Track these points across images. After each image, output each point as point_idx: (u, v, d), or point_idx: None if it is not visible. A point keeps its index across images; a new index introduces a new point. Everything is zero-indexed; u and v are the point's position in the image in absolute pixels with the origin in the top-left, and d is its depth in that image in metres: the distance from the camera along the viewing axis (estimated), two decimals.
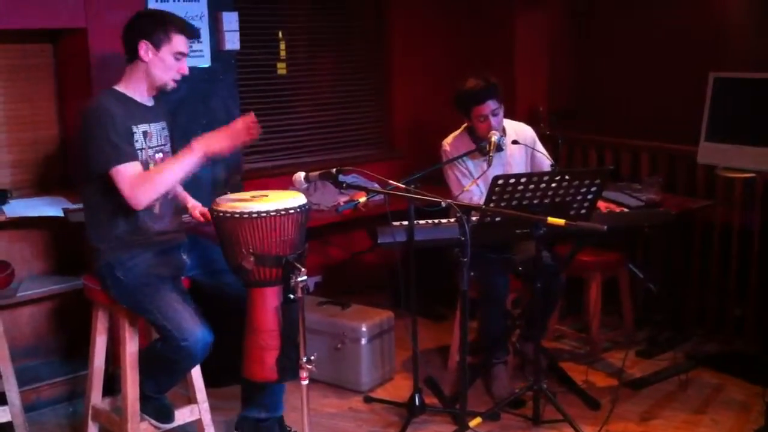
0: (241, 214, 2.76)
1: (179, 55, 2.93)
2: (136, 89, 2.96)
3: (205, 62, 3.94)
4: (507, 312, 3.80)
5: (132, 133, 2.87)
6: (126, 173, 2.78)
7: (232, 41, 4.00)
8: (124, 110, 2.87)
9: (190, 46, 3.09)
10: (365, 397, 3.77)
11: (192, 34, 3.00)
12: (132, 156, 2.82)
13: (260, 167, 4.67)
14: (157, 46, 2.89)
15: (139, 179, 2.79)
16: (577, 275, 4.12)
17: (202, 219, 3.18)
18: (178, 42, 2.92)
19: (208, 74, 3.96)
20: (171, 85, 2.97)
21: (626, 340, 4.25)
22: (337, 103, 5.10)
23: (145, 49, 2.89)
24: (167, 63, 2.91)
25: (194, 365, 3.05)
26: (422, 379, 3.66)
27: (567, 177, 3.10)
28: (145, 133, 2.93)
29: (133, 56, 2.92)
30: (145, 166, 2.92)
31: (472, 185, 3.67)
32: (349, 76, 5.14)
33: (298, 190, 2.99)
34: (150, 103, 3.02)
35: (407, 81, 5.23)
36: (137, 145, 2.89)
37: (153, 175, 2.83)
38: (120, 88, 2.95)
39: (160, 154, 3.00)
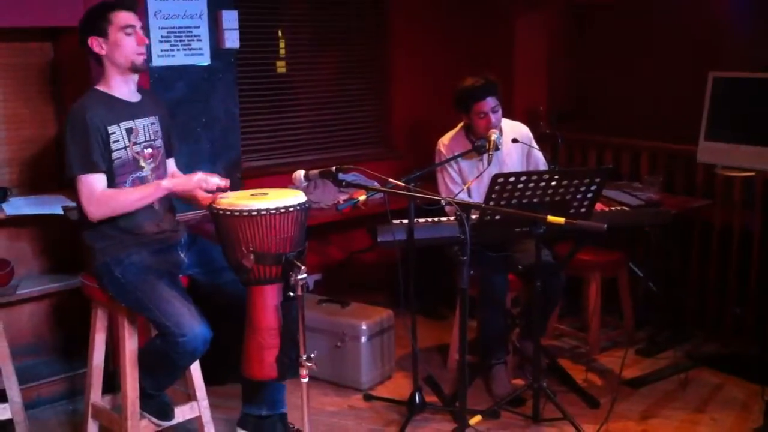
0: (241, 212, 2.76)
1: (128, 29, 2.89)
2: (114, 86, 2.95)
3: (204, 61, 3.94)
4: (507, 311, 3.80)
5: (109, 137, 2.86)
6: (87, 184, 2.81)
7: (231, 40, 4.00)
8: (105, 110, 2.87)
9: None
10: (365, 395, 3.78)
11: (127, 5, 2.93)
12: (98, 167, 2.83)
13: (260, 165, 4.67)
14: (104, 34, 2.87)
15: (99, 195, 2.82)
16: (576, 274, 4.13)
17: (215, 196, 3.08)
18: (119, 18, 2.88)
19: (207, 73, 3.96)
20: (139, 60, 2.92)
21: (626, 340, 4.25)
22: (337, 102, 5.09)
23: (97, 44, 2.88)
24: (121, 43, 2.88)
25: (193, 361, 3.04)
26: (422, 377, 3.66)
27: (567, 176, 3.10)
28: (129, 130, 2.93)
29: (96, 57, 2.92)
30: (134, 162, 2.93)
31: (461, 192, 3.66)
32: (348, 75, 5.13)
33: (298, 188, 2.99)
34: (135, 98, 3.00)
35: (407, 80, 5.23)
36: (118, 145, 2.88)
37: (115, 196, 2.85)
38: (100, 87, 2.95)
39: (150, 149, 3.00)
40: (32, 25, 3.51)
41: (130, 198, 2.87)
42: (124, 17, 2.89)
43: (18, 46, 3.73)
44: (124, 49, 2.89)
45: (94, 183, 2.82)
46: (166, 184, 2.91)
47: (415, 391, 3.47)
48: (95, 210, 2.83)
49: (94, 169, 2.82)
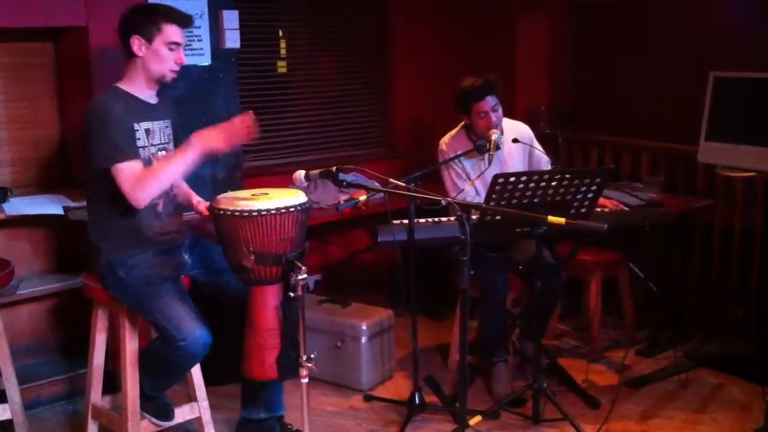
0: (242, 212, 2.76)
1: (173, 45, 2.89)
2: (137, 86, 2.94)
3: (205, 60, 3.94)
4: (507, 311, 3.80)
5: (134, 131, 2.86)
6: (126, 171, 2.77)
7: (232, 39, 4.00)
8: (126, 108, 2.86)
9: (188, 34, 3.04)
10: (365, 396, 3.78)
11: (184, 22, 2.94)
12: (132, 154, 2.81)
13: (260, 165, 4.67)
14: (149, 40, 2.87)
15: (139, 177, 2.78)
16: (577, 274, 4.12)
17: (207, 213, 3.09)
18: (170, 32, 2.88)
19: (208, 73, 3.96)
20: (169, 76, 2.94)
21: (626, 340, 4.24)
22: (338, 102, 5.09)
23: (138, 44, 2.87)
24: (162, 55, 2.88)
25: (193, 365, 3.05)
26: (422, 377, 3.66)
27: (567, 176, 3.10)
28: (147, 131, 2.92)
29: (129, 53, 2.91)
30: (148, 164, 2.92)
31: (468, 186, 3.68)
32: (349, 75, 5.13)
33: (299, 188, 2.99)
34: (153, 100, 3.00)
35: (408, 80, 5.23)
36: (139, 143, 2.88)
37: (152, 173, 2.81)
38: (123, 85, 2.94)
39: (163, 152, 3.00)
40: (34, 26, 3.51)
41: (171, 165, 2.81)
42: (174, 33, 2.89)
43: (19, 46, 3.73)
44: (163, 63, 2.89)
45: (133, 167, 2.78)
46: (195, 142, 2.79)
47: (415, 391, 3.47)
48: (142, 192, 2.77)
49: (126, 156, 2.79)
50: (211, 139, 2.81)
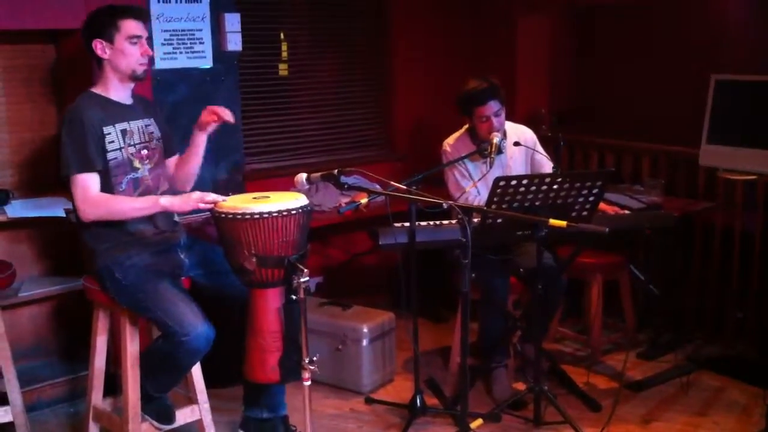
0: (243, 214, 2.76)
1: (135, 39, 2.92)
2: (110, 89, 2.98)
3: (207, 63, 3.94)
4: (508, 313, 3.80)
5: (103, 138, 2.89)
6: (82, 184, 2.84)
7: (234, 42, 4.01)
8: (100, 112, 2.90)
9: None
10: (366, 398, 3.77)
11: (138, 15, 2.97)
12: (94, 166, 2.85)
13: (262, 168, 4.67)
14: (110, 40, 2.90)
15: (95, 197, 2.84)
16: (578, 277, 4.12)
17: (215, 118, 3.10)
18: (128, 27, 2.91)
19: (209, 75, 3.97)
20: (140, 70, 2.96)
21: (627, 343, 4.24)
22: (339, 104, 5.09)
23: (101, 48, 2.91)
24: (126, 51, 2.91)
25: (196, 361, 3.04)
26: (423, 380, 3.66)
27: (568, 179, 3.10)
28: (123, 132, 2.96)
29: (96, 59, 2.95)
30: (129, 163, 2.96)
31: (471, 188, 3.68)
32: (350, 77, 5.14)
33: (300, 191, 2.99)
34: (128, 101, 3.04)
35: (409, 82, 5.23)
36: (114, 145, 2.91)
37: (110, 203, 2.87)
38: (97, 90, 2.99)
39: (145, 151, 3.03)
40: (34, 28, 3.51)
41: (126, 207, 2.89)
42: (133, 27, 2.92)
43: (20, 48, 3.73)
44: (128, 58, 2.93)
45: (89, 183, 2.85)
46: (164, 202, 2.90)
47: (416, 394, 3.47)
48: (90, 210, 2.85)
49: (89, 168, 2.84)
50: (178, 205, 2.89)
